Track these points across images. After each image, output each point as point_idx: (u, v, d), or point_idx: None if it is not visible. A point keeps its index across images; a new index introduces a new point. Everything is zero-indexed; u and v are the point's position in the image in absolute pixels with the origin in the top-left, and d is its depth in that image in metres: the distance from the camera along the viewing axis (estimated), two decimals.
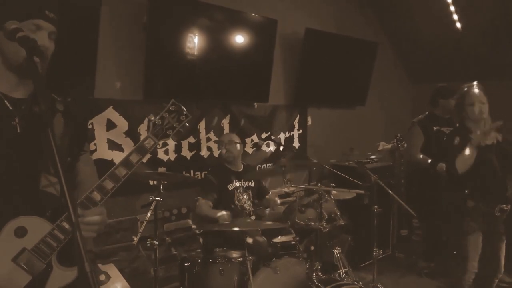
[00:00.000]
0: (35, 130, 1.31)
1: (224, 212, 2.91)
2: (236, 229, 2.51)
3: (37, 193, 1.31)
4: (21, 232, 1.25)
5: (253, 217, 3.22)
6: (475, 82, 2.79)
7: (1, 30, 1.26)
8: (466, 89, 2.78)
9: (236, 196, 3.16)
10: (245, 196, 3.21)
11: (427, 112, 3.92)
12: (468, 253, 2.77)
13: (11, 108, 1.32)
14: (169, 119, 1.46)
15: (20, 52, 1.21)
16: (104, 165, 3.01)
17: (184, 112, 1.49)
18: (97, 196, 1.33)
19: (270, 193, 3.54)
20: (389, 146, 3.91)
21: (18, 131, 1.31)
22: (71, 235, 1.21)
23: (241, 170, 3.31)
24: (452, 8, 4.52)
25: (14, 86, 1.35)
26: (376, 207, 3.18)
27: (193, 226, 3.48)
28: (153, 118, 1.46)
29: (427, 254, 4.11)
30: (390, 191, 3.11)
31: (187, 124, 1.50)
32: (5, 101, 1.32)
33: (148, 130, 3.39)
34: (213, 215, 2.95)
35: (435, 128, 3.70)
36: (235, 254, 2.66)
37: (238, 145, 3.28)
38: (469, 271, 2.79)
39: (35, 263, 1.25)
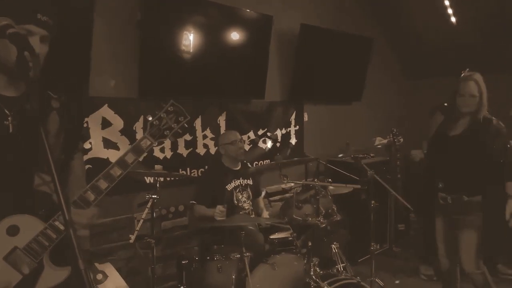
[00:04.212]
0: (28, 129, 1.29)
1: (219, 207, 2.90)
2: (233, 223, 2.52)
3: (31, 192, 1.30)
4: (13, 231, 1.24)
5: (252, 216, 3.20)
6: (476, 74, 2.77)
7: None
8: (463, 77, 2.79)
9: (235, 196, 3.14)
10: (244, 195, 3.20)
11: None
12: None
13: (3, 107, 1.30)
14: (167, 120, 1.44)
15: (11, 50, 1.16)
16: (99, 164, 3.00)
17: (183, 113, 1.46)
18: (90, 196, 1.32)
19: (262, 195, 3.55)
20: (385, 141, 3.91)
21: (11, 130, 1.29)
22: (64, 233, 1.20)
23: (239, 168, 3.28)
24: (446, 2, 4.51)
25: (5, 85, 1.32)
26: (373, 201, 3.18)
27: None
28: (150, 118, 1.44)
29: (426, 256, 4.00)
30: (386, 185, 3.11)
31: (186, 125, 1.48)
32: None
33: (143, 128, 3.38)
34: (209, 213, 2.95)
35: None
36: (232, 251, 2.66)
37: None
38: (439, 258, 2.93)
39: (27, 262, 1.24)
